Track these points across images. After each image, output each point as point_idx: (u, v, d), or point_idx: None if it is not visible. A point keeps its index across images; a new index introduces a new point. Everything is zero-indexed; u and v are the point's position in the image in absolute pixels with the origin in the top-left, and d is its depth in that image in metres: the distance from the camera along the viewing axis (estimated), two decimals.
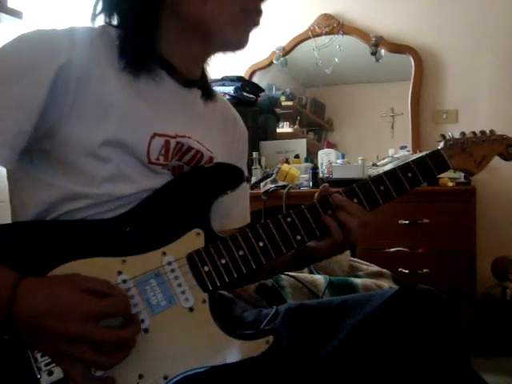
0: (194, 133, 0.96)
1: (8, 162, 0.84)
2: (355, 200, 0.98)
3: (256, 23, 0.95)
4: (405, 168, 1.01)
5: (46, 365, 0.77)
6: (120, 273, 0.84)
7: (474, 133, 1.09)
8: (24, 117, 0.83)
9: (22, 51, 0.86)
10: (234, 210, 1.14)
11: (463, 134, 1.09)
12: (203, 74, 1.04)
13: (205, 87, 1.03)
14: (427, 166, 1.02)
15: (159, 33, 0.93)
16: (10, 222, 0.93)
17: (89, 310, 0.75)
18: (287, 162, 3.32)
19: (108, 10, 0.95)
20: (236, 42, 0.96)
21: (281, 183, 2.95)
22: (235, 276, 0.89)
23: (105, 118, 0.86)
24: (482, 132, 1.09)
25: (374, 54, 3.43)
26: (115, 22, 0.96)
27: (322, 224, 0.96)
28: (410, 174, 1.01)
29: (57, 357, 0.77)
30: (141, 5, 0.90)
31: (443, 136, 1.07)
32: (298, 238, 0.93)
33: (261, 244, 0.91)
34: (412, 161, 1.02)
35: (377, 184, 0.99)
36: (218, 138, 1.06)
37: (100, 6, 0.96)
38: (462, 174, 2.71)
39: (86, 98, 0.86)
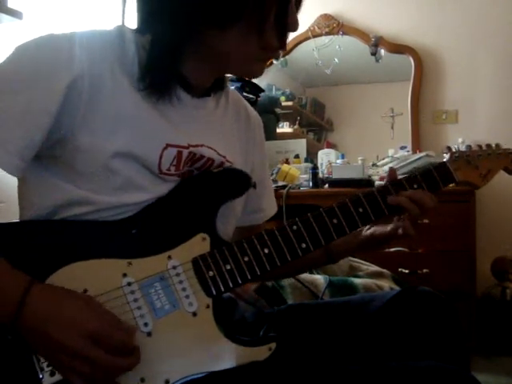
0: (207, 140, 0.95)
1: (16, 171, 0.84)
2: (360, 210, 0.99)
3: (278, 57, 0.95)
4: (411, 180, 1.03)
5: (49, 365, 0.78)
6: (125, 275, 0.84)
7: (479, 146, 1.10)
8: (35, 127, 0.82)
9: (35, 60, 0.84)
10: (263, 203, 1.16)
11: (469, 146, 1.10)
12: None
13: (216, 87, 1.02)
14: (433, 179, 1.03)
15: (181, 56, 0.92)
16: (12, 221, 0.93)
17: (91, 329, 0.75)
18: (287, 162, 3.32)
19: (141, 29, 0.93)
20: (251, 75, 0.98)
21: (281, 183, 2.96)
22: (240, 282, 0.89)
23: (117, 129, 0.86)
24: (488, 145, 1.10)
25: (373, 54, 3.43)
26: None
27: (327, 232, 0.96)
28: (415, 186, 1.02)
29: (56, 364, 0.77)
30: (175, 32, 0.88)
31: (449, 148, 1.08)
32: (303, 245, 0.93)
33: (266, 251, 0.91)
34: (419, 173, 1.03)
35: (383, 195, 1.00)
36: (233, 139, 1.05)
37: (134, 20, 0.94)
38: None
39: (98, 109, 0.85)
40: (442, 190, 1.04)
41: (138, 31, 0.92)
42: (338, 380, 0.85)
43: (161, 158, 0.89)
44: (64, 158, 0.86)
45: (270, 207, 1.19)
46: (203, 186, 0.94)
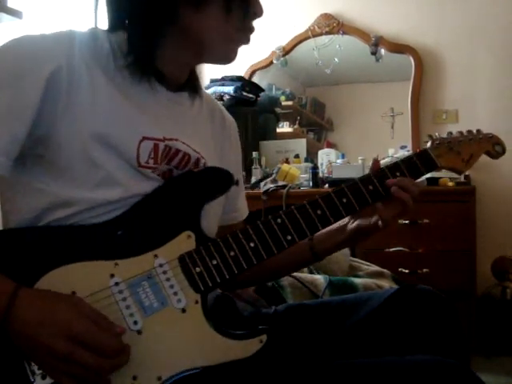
0: (182, 135, 0.97)
1: (3, 169, 0.85)
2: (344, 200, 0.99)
3: (248, 41, 0.97)
4: (394, 168, 1.03)
5: (39, 368, 0.78)
6: (112, 276, 0.85)
7: (460, 132, 1.11)
8: (18, 123, 0.84)
9: (13, 58, 0.87)
10: (238, 203, 1.18)
11: (450, 133, 1.10)
12: (191, 73, 1.04)
13: (191, 85, 1.04)
14: (415, 166, 1.04)
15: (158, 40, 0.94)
16: (0, 226, 0.95)
17: (79, 332, 0.75)
18: (287, 161, 3.33)
19: (115, 24, 0.95)
20: (224, 57, 0.98)
21: (281, 183, 2.96)
22: (227, 276, 0.89)
23: (95, 117, 0.88)
24: (469, 131, 1.11)
25: (373, 53, 3.43)
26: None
27: (311, 223, 0.96)
28: (398, 174, 1.02)
29: (46, 368, 0.77)
30: (152, 20, 0.91)
31: (430, 136, 1.09)
32: (289, 237, 0.94)
33: (251, 244, 0.91)
34: (401, 160, 1.04)
35: (365, 184, 1.00)
36: (207, 137, 1.07)
37: (108, 15, 0.97)
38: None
39: (77, 101, 0.87)
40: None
41: (110, 30, 0.95)
42: (336, 375, 0.86)
43: (138, 149, 0.90)
44: (47, 155, 0.87)
45: (244, 208, 1.21)
46: (186, 185, 0.94)
